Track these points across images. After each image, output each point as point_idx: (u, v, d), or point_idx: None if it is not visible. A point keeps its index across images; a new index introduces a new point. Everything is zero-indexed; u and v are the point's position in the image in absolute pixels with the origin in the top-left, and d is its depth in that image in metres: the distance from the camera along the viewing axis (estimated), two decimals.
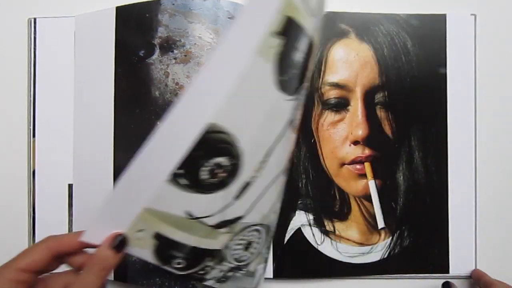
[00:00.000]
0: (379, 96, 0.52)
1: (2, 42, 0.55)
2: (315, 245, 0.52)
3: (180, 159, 0.33)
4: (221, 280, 0.42)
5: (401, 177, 0.52)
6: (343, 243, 0.53)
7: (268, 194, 0.39)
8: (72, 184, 0.53)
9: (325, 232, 0.53)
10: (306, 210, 0.52)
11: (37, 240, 0.53)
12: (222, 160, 0.35)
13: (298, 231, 0.52)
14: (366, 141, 0.52)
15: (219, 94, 0.32)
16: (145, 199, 0.34)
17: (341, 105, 0.52)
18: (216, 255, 0.40)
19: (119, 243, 0.34)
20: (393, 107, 0.52)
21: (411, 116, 0.53)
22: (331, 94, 0.52)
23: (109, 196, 0.34)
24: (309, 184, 0.52)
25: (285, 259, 0.52)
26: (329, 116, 0.52)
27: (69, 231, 0.53)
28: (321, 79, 0.52)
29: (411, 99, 0.53)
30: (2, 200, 0.54)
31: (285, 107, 0.36)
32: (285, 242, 0.52)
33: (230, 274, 0.42)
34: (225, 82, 0.32)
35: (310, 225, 0.52)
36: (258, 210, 0.39)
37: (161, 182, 0.34)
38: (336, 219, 0.53)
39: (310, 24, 0.35)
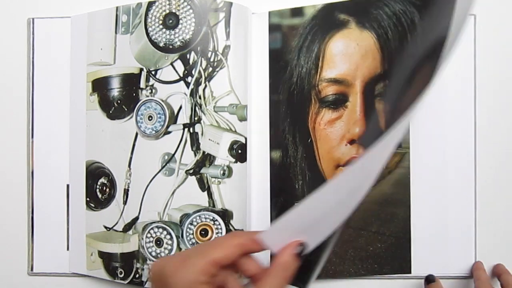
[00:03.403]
0: (379, 87, 0.50)
1: (2, 42, 0.54)
2: None
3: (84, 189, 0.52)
4: None
5: None
6: None
7: (149, 193, 0.49)
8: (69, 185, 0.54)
9: None
10: None
11: (35, 240, 0.55)
12: (102, 180, 0.51)
13: None
14: (362, 140, 0.50)
15: None
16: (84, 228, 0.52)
17: (339, 101, 0.50)
18: (138, 256, 0.50)
19: (301, 251, 0.34)
20: None
21: None
22: (329, 91, 0.50)
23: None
24: (305, 185, 0.52)
25: None
26: (327, 114, 0.50)
27: (68, 231, 0.54)
28: (318, 76, 0.49)
29: None
30: (2, 200, 0.55)
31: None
32: None
33: None
34: None
35: None
36: (150, 209, 0.49)
37: (83, 210, 0.52)
38: None
39: None
